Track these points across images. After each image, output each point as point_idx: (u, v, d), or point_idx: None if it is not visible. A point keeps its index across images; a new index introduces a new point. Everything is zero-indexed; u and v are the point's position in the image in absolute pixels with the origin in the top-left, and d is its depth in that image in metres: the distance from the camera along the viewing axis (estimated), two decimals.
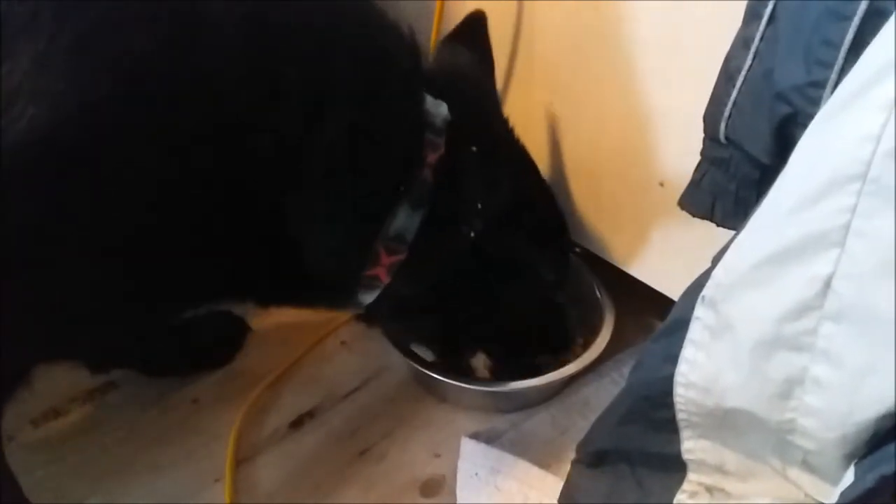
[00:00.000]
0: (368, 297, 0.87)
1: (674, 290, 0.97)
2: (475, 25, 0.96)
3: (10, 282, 0.61)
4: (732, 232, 0.70)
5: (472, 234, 0.85)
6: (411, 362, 1.06)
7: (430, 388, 1.10)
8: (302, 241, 0.77)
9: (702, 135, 0.74)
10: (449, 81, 0.86)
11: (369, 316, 0.97)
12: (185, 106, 0.64)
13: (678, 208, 0.78)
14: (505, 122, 0.95)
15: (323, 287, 0.85)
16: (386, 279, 0.84)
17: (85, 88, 0.59)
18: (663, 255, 1.00)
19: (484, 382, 1.06)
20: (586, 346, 1.08)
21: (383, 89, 0.76)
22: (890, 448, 0.50)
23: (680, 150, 0.87)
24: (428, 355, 1.09)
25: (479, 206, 0.84)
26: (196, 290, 0.79)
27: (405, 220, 0.81)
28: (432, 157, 0.81)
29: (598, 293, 1.14)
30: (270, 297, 0.90)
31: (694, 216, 0.76)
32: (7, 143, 0.56)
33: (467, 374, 1.07)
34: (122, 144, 0.62)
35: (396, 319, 1.00)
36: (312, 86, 0.70)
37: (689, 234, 0.93)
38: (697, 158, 0.76)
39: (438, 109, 0.82)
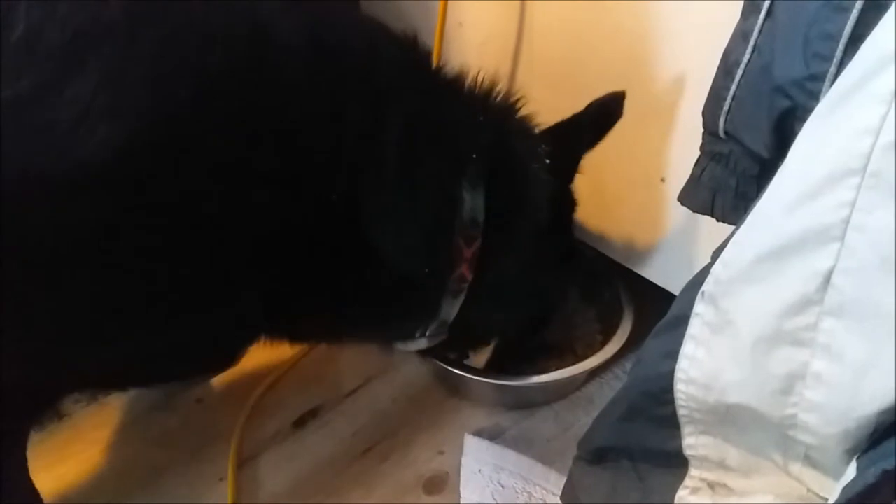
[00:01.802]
0: (453, 306, 0.87)
1: (675, 286, 0.97)
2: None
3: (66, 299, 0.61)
4: (733, 227, 0.70)
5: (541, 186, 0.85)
6: (436, 361, 1.05)
7: (452, 384, 1.10)
8: (382, 250, 0.77)
9: (702, 130, 0.74)
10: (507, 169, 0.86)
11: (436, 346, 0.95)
12: (256, 122, 0.65)
13: (678, 204, 0.78)
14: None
15: (408, 308, 0.86)
16: (470, 276, 0.84)
17: (161, 104, 0.59)
18: (665, 251, 1.00)
19: (512, 377, 1.05)
20: (605, 342, 1.08)
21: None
22: (891, 443, 0.50)
23: (681, 146, 0.87)
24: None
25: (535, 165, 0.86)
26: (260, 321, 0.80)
27: (472, 202, 0.81)
28: (468, 253, 0.82)
29: (619, 292, 1.13)
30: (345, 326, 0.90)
31: (694, 212, 0.75)
32: (77, 160, 0.56)
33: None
34: (197, 159, 0.62)
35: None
36: (373, 91, 0.72)
37: (690, 230, 0.93)
38: (698, 155, 0.76)
39: (474, 202, 0.82)
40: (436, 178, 0.78)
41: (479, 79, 0.86)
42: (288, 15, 0.67)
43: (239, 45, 0.63)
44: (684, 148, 0.80)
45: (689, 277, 0.64)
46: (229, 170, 0.64)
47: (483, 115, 0.83)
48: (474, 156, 0.80)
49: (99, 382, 0.82)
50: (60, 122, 0.55)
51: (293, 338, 0.90)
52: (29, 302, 0.60)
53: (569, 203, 0.97)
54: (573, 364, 1.05)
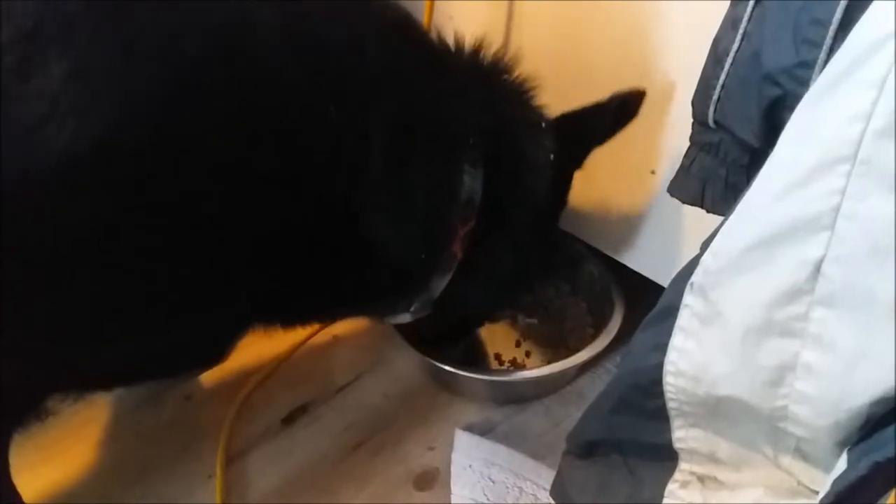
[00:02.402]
0: (440, 283, 0.87)
1: (665, 278, 0.96)
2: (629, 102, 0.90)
3: (42, 299, 0.60)
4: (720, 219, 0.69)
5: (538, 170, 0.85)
6: (427, 358, 1.05)
7: (443, 380, 1.10)
8: (380, 239, 0.76)
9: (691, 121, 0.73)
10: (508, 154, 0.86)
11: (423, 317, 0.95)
12: (237, 112, 0.63)
13: (668, 196, 0.77)
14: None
15: (396, 288, 0.85)
16: (460, 254, 0.84)
17: (132, 97, 0.57)
18: (655, 243, 1.00)
19: (502, 373, 1.06)
20: (596, 336, 1.07)
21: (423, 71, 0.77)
22: (882, 435, 0.49)
23: (671, 138, 0.87)
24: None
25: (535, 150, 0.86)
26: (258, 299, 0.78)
27: (471, 183, 0.80)
28: (462, 230, 0.82)
29: (610, 285, 1.13)
30: (334, 306, 0.89)
31: (684, 203, 0.74)
32: (47, 157, 0.54)
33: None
34: (176, 153, 0.61)
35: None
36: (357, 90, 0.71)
37: (680, 221, 0.93)
38: (688, 146, 0.75)
39: (474, 184, 0.82)
40: (433, 165, 0.78)
41: (491, 56, 0.86)
42: (266, 6, 0.66)
43: (213, 37, 0.62)
44: (674, 140, 0.80)
45: (679, 269, 0.64)
46: (208, 164, 0.63)
47: (488, 97, 0.83)
48: (474, 139, 0.80)
49: (94, 382, 0.80)
50: (27, 116, 0.54)
51: (286, 324, 0.89)
52: (28, 301, 0.59)
53: (564, 192, 0.97)
54: (565, 358, 1.04)
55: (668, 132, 0.90)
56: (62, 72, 0.54)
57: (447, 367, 1.03)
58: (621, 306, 1.09)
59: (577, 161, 0.93)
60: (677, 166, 0.76)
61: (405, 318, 0.92)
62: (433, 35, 0.85)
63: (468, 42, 0.85)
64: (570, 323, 1.16)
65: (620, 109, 0.87)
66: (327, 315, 0.94)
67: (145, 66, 0.58)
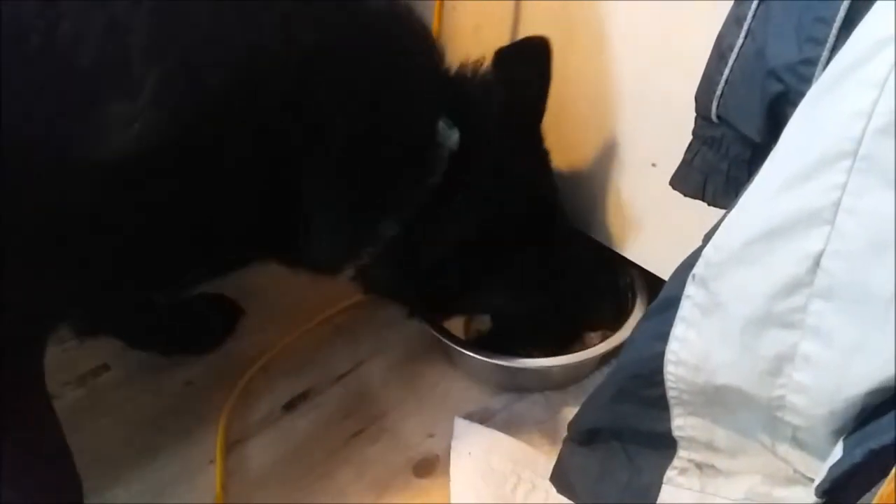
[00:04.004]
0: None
1: (665, 271, 0.97)
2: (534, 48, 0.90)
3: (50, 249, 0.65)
4: (724, 212, 0.70)
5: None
6: (435, 333, 1.06)
7: (460, 364, 1.11)
8: (309, 223, 0.78)
9: (694, 115, 0.74)
10: (475, 103, 0.86)
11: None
12: (238, 115, 0.67)
13: (670, 189, 0.78)
14: (536, 152, 0.97)
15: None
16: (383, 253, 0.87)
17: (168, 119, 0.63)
18: (656, 236, 1.01)
19: (519, 359, 1.04)
20: (616, 328, 1.08)
21: (396, 109, 0.77)
22: (878, 424, 0.51)
23: (672, 131, 0.87)
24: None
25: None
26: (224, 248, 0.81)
27: (388, 230, 0.85)
28: (430, 181, 0.84)
29: (632, 280, 1.13)
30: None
31: (685, 196, 0.75)
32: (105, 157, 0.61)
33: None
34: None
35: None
36: (333, 89, 0.72)
37: (681, 214, 0.93)
38: (690, 139, 0.76)
39: (449, 138, 0.84)
40: (376, 168, 0.79)
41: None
42: None
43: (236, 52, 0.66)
44: (675, 133, 0.80)
45: (679, 262, 0.65)
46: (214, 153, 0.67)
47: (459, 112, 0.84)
48: (431, 154, 0.83)
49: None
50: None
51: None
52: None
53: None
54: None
55: (670, 125, 0.90)
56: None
57: (470, 353, 1.04)
58: (643, 301, 1.09)
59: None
60: (678, 159, 0.77)
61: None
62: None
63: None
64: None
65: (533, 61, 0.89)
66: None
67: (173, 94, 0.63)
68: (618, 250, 1.08)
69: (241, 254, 0.85)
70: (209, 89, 0.64)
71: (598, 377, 1.10)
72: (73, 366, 1.07)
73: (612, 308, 1.14)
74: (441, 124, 0.83)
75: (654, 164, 0.94)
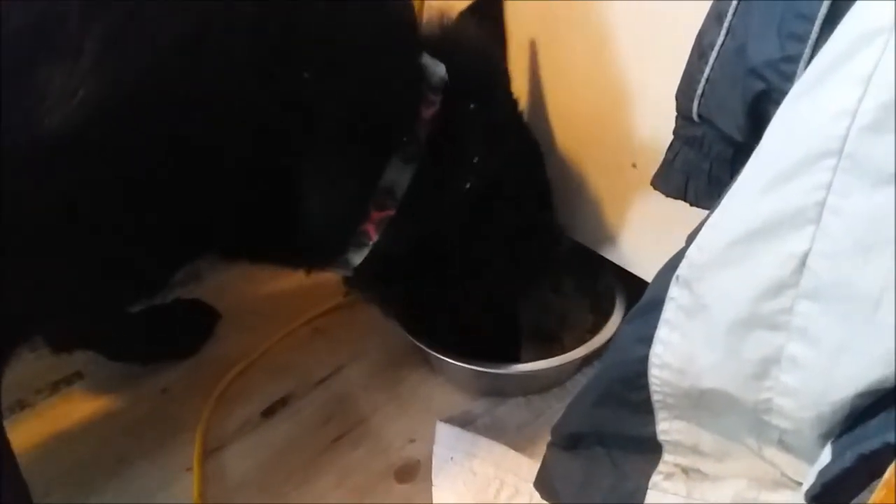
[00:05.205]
0: (357, 257, 0.86)
1: (647, 272, 0.97)
2: (491, 3, 0.95)
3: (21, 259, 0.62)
4: (706, 212, 0.70)
5: (467, 186, 0.84)
6: (414, 340, 1.04)
7: (440, 370, 1.10)
8: (301, 200, 0.76)
9: (675, 114, 0.73)
10: (450, 43, 0.86)
11: (358, 280, 0.94)
12: (207, 88, 0.64)
13: (651, 189, 0.78)
14: (510, 94, 0.94)
15: (315, 244, 0.84)
16: (374, 235, 0.83)
17: (115, 85, 0.58)
18: (636, 237, 1.00)
19: (493, 365, 1.03)
20: (595, 331, 1.07)
21: (378, 49, 0.75)
22: (866, 427, 0.50)
23: (653, 130, 0.87)
24: None
25: (476, 160, 0.84)
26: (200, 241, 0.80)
27: (395, 175, 0.80)
28: (427, 113, 0.80)
29: (611, 280, 1.12)
30: (262, 252, 0.88)
31: (667, 196, 0.75)
32: (44, 135, 0.56)
33: None
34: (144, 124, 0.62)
35: (381, 283, 0.97)
36: (313, 56, 0.70)
37: (662, 215, 0.93)
38: (671, 139, 0.75)
39: (436, 69, 0.82)
40: (355, 150, 0.77)
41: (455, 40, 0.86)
42: None
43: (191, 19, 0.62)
44: (656, 133, 0.80)
45: (661, 263, 0.64)
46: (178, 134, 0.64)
47: (442, 84, 0.82)
48: (410, 132, 0.80)
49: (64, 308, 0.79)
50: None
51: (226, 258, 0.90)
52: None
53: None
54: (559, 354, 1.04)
55: (650, 125, 0.90)
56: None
57: (450, 361, 1.02)
58: (623, 304, 1.09)
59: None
60: (659, 159, 0.76)
61: (327, 271, 0.92)
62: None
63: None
64: (569, 320, 1.16)
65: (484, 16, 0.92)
66: (258, 253, 0.90)
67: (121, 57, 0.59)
68: (597, 251, 1.07)
69: (219, 249, 0.84)
70: (164, 48, 0.60)
71: (581, 379, 1.09)
72: (45, 373, 1.05)
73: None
74: (425, 58, 0.82)
75: (634, 165, 0.94)
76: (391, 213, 0.82)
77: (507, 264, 0.96)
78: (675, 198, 0.74)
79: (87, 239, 0.66)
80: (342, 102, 0.72)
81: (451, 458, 0.96)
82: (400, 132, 0.79)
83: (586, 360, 1.08)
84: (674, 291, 0.59)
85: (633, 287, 1.06)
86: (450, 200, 0.85)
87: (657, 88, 0.86)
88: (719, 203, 0.56)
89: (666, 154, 0.74)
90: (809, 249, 0.50)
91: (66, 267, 0.67)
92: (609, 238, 1.04)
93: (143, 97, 0.60)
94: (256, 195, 0.74)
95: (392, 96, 0.78)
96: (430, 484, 0.94)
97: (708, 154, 0.69)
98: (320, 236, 0.82)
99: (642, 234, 0.99)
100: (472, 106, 0.83)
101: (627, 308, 1.08)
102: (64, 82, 0.55)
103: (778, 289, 0.52)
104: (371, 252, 0.85)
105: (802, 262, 0.51)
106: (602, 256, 1.08)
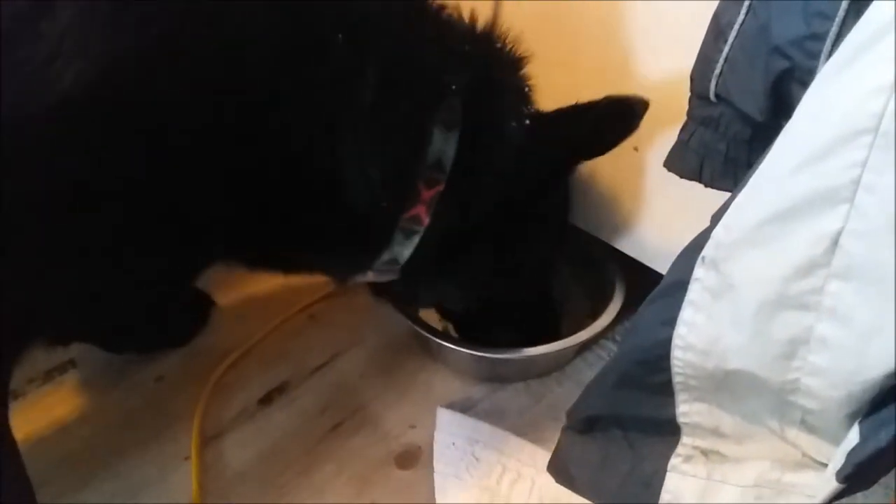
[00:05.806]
0: (406, 249, 0.83)
1: (647, 256, 0.97)
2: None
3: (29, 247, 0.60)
4: (706, 195, 0.69)
5: (518, 142, 0.81)
6: (420, 329, 1.04)
7: (439, 355, 1.09)
8: (342, 184, 0.73)
9: (675, 97, 0.73)
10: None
11: (402, 282, 0.90)
12: (227, 57, 0.62)
13: (652, 173, 0.77)
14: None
15: (356, 241, 0.81)
16: (426, 219, 0.80)
17: (128, 42, 0.57)
18: (636, 221, 0.99)
19: (499, 350, 1.02)
20: (595, 316, 1.06)
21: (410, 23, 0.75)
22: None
23: (654, 113, 0.86)
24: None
25: (514, 123, 0.81)
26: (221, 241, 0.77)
27: (441, 144, 0.77)
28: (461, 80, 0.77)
29: (609, 265, 1.12)
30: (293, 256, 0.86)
31: (681, 177, 0.74)
32: (52, 98, 0.55)
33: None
34: (168, 97, 0.60)
35: (432, 279, 0.93)
36: (348, 30, 0.69)
37: (663, 199, 0.93)
38: (672, 122, 0.75)
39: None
40: (405, 117, 0.75)
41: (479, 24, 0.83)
42: None
43: None
44: (656, 116, 0.79)
45: (662, 247, 0.63)
46: (197, 109, 0.62)
47: (470, 60, 0.79)
48: (451, 100, 0.77)
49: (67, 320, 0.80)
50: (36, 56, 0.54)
51: (250, 265, 0.87)
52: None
53: (550, 188, 0.93)
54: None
55: (651, 108, 0.89)
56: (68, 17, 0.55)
57: (449, 345, 1.02)
58: (622, 290, 1.08)
59: (559, 162, 0.90)
60: (660, 142, 0.76)
61: (369, 276, 0.88)
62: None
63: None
64: (567, 306, 1.14)
65: (612, 116, 0.83)
66: (287, 258, 0.88)
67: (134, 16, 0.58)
68: (596, 235, 1.07)
69: (242, 253, 0.81)
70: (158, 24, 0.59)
71: (580, 364, 1.09)
72: (38, 362, 1.03)
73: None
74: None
75: (635, 148, 0.93)
76: (441, 188, 0.78)
77: (554, 235, 0.95)
78: (690, 179, 0.73)
79: (114, 244, 0.65)
80: (379, 69, 0.70)
81: (453, 443, 0.96)
82: (436, 100, 0.76)
83: (585, 345, 1.08)
84: (699, 272, 0.58)
85: (631, 272, 1.06)
86: (499, 164, 0.81)
87: (657, 70, 0.86)
88: (746, 182, 0.56)
89: (679, 134, 0.74)
90: (842, 228, 0.50)
91: (87, 271, 0.66)
92: (609, 222, 1.04)
93: (141, 84, 0.59)
94: (287, 187, 0.72)
95: (426, 63, 0.76)
96: (432, 470, 0.93)
97: (725, 134, 0.69)
98: (363, 229, 0.78)
99: (642, 218, 0.98)
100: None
101: (626, 293, 1.07)
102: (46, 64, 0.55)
103: (809, 268, 0.51)
104: (422, 240, 0.82)
105: (835, 242, 0.50)
106: (601, 240, 1.07)
